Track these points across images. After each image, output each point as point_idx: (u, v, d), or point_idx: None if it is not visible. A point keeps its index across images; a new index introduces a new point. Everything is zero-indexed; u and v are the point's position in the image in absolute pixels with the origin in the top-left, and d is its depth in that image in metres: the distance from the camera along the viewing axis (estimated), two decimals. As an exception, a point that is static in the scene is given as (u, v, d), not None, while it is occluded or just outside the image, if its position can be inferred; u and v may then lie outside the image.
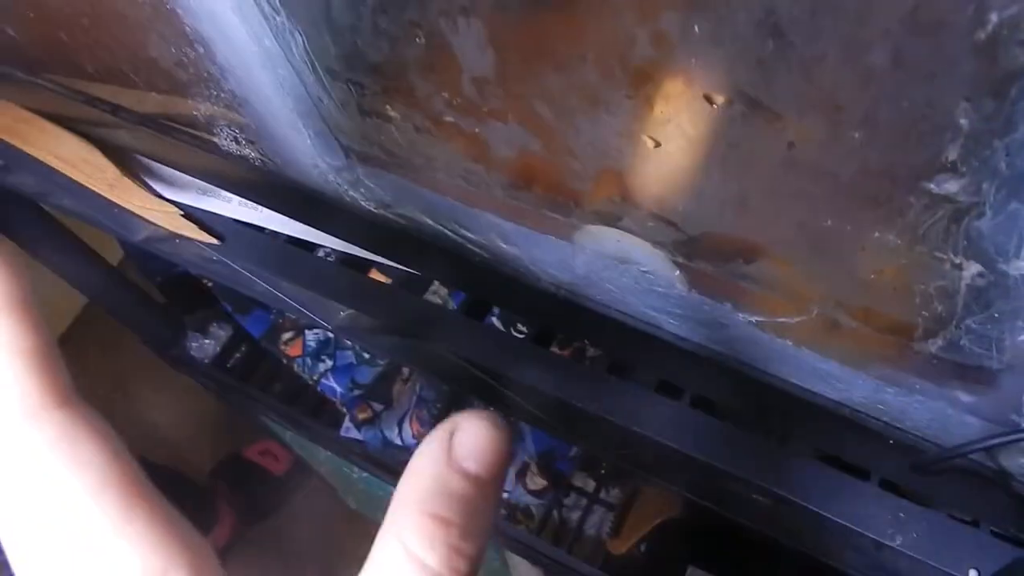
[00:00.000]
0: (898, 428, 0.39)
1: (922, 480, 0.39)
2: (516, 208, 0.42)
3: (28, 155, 0.66)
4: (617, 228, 0.38)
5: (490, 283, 0.49)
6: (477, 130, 0.37)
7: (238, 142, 0.52)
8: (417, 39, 0.34)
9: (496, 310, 0.85)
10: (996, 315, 0.29)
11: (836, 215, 0.30)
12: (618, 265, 0.41)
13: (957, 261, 0.28)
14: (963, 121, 0.24)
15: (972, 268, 0.28)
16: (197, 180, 0.61)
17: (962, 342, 0.31)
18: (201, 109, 0.50)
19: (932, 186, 0.26)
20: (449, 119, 0.38)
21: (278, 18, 0.37)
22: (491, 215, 0.43)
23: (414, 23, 0.33)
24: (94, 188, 0.61)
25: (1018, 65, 0.21)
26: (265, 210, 0.60)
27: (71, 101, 0.59)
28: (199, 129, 0.51)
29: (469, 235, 0.46)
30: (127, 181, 0.60)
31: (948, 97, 0.23)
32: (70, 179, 0.66)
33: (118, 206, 0.67)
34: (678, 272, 0.38)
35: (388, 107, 0.40)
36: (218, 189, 0.60)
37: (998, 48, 0.21)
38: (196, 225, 0.60)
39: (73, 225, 1.03)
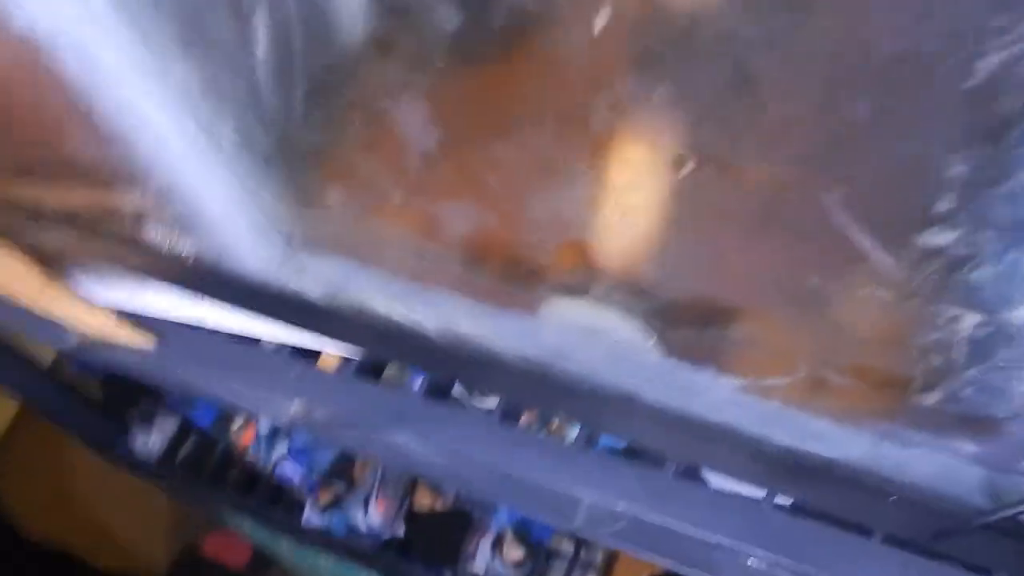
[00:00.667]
0: (898, 482, 0.37)
1: (936, 545, 0.37)
2: (475, 284, 0.39)
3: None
4: (585, 299, 0.36)
5: (451, 360, 0.46)
6: (427, 207, 0.35)
7: (169, 236, 0.48)
8: (355, 120, 0.31)
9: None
10: (1000, 364, 0.28)
11: (821, 272, 0.28)
12: (588, 337, 0.38)
13: (955, 312, 0.26)
14: (954, 172, 0.22)
15: (972, 319, 0.26)
16: (125, 278, 0.57)
17: (964, 392, 0.30)
18: (128, 205, 0.47)
19: (924, 239, 0.24)
20: (396, 198, 0.35)
21: (204, 107, 0.34)
22: (448, 292, 0.41)
23: (350, 104, 0.31)
24: (21, 298, 0.56)
25: (1011, 112, 0.20)
26: (204, 307, 0.56)
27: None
28: (128, 226, 0.48)
29: (425, 314, 0.44)
30: (55, 287, 0.55)
31: (937, 148, 0.22)
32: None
33: (41, 314, 0.62)
34: (653, 339, 0.36)
35: (329, 191, 0.37)
36: (148, 287, 0.56)
37: (988, 96, 0.20)
38: (130, 329, 0.56)
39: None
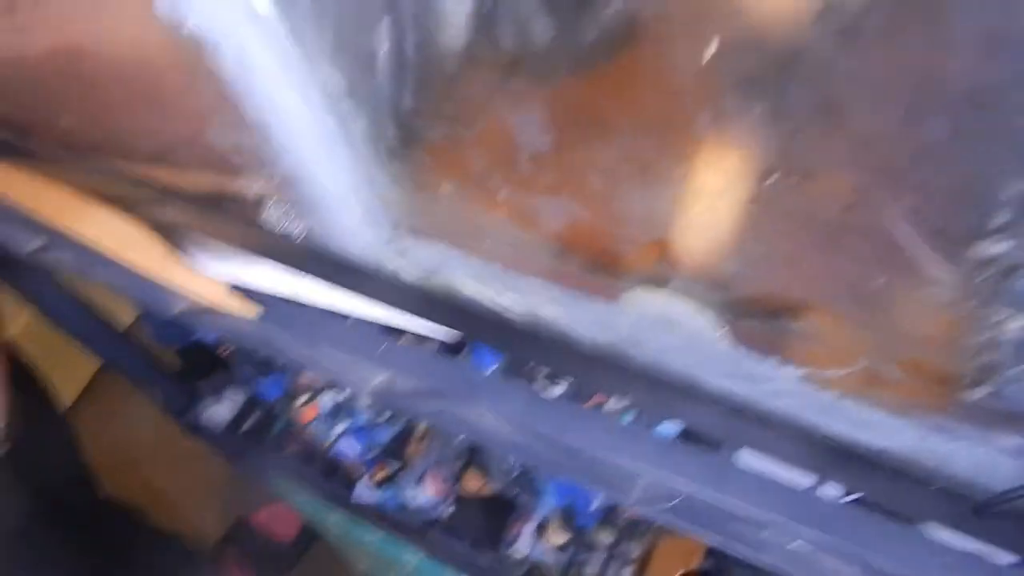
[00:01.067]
0: (940, 474, 0.41)
1: (975, 524, 0.40)
2: (563, 272, 0.44)
3: (71, 239, 0.68)
4: (664, 290, 0.40)
5: (531, 343, 0.51)
6: (530, 200, 0.40)
7: (286, 218, 0.54)
8: (475, 118, 0.36)
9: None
10: (1042, 364, 0.31)
11: (888, 273, 0.32)
12: (664, 325, 0.42)
13: (1006, 314, 0.30)
14: (1014, 189, 0.26)
15: (1019, 320, 0.30)
16: (239, 255, 0.62)
17: (1008, 389, 0.33)
18: (253, 188, 0.52)
19: (983, 246, 0.28)
20: (503, 191, 0.40)
21: (343, 104, 0.40)
22: (537, 279, 0.45)
23: (472, 104, 0.36)
24: (141, 265, 0.63)
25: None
26: (303, 283, 0.61)
27: (121, 183, 0.61)
28: (248, 207, 0.53)
29: (512, 298, 0.48)
30: (176, 257, 0.62)
31: (1003, 165, 0.26)
32: (112, 257, 0.67)
33: (157, 281, 0.68)
34: (725, 329, 0.40)
35: (443, 182, 0.42)
36: (259, 263, 0.62)
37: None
38: (237, 299, 0.62)
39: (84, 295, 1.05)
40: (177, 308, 0.69)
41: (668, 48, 0.31)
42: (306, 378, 1.18)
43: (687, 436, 0.54)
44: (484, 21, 0.37)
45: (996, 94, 0.24)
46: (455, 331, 0.56)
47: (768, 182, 0.31)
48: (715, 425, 0.50)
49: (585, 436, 0.54)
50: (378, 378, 0.62)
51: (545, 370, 0.66)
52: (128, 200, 0.62)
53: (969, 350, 0.33)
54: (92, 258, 0.69)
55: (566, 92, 0.35)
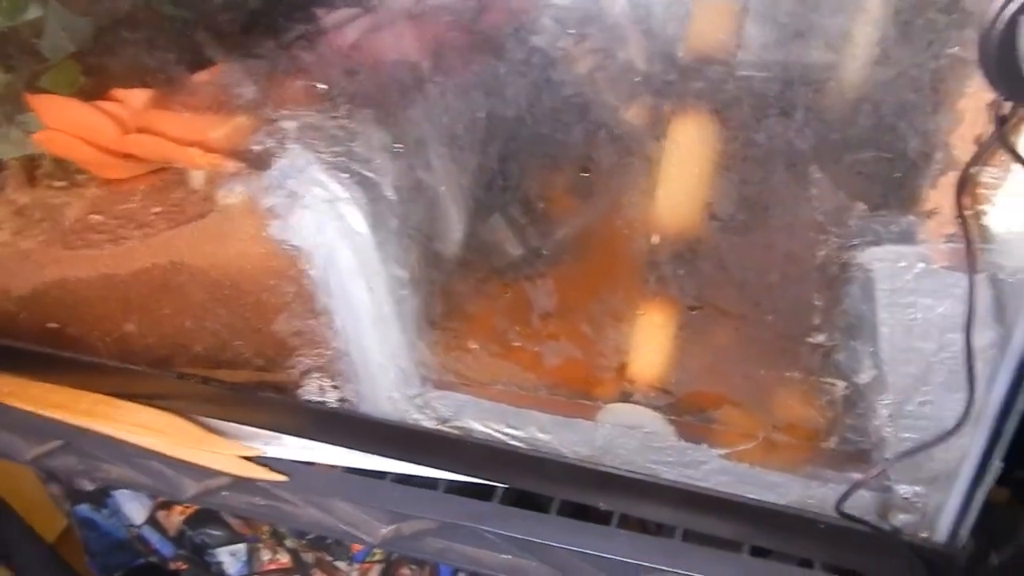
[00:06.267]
0: (821, 515, 0.60)
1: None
2: (555, 402, 0.63)
3: (94, 433, 0.79)
4: (629, 403, 0.60)
5: (530, 469, 0.67)
6: (537, 349, 0.60)
7: (322, 390, 0.70)
8: (506, 293, 0.57)
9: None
10: (859, 412, 0.53)
11: (765, 368, 0.54)
12: (629, 431, 0.62)
13: (832, 382, 0.52)
14: (818, 303, 0.49)
15: (840, 384, 0.52)
16: (262, 432, 0.76)
17: (847, 435, 0.54)
18: (298, 367, 0.69)
19: (810, 339, 0.51)
20: (517, 344, 0.60)
21: (403, 291, 0.59)
22: (535, 411, 0.64)
23: (506, 284, 0.57)
24: (180, 448, 0.74)
25: (841, 276, 0.48)
26: (321, 447, 0.75)
27: (165, 379, 0.74)
28: (287, 384, 0.69)
29: (513, 432, 0.66)
30: (213, 436, 0.74)
31: (811, 292, 0.49)
32: (138, 446, 0.78)
33: (172, 468, 0.79)
34: (672, 427, 0.60)
35: (471, 342, 0.61)
36: (280, 436, 0.76)
37: (834, 275, 0.48)
38: (265, 469, 0.74)
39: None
40: (189, 492, 0.80)
41: (611, 246, 0.54)
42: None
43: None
44: (472, 240, 0.60)
45: (798, 266, 0.48)
46: (464, 473, 0.71)
47: (692, 315, 0.53)
48: (668, 515, 0.67)
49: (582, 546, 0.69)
50: (383, 530, 0.75)
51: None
52: (161, 395, 0.75)
53: (818, 410, 0.54)
54: (115, 452, 0.80)
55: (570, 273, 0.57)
